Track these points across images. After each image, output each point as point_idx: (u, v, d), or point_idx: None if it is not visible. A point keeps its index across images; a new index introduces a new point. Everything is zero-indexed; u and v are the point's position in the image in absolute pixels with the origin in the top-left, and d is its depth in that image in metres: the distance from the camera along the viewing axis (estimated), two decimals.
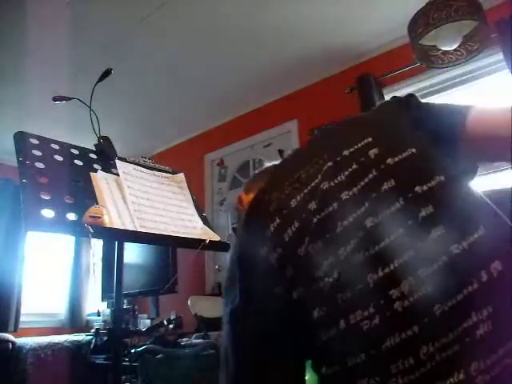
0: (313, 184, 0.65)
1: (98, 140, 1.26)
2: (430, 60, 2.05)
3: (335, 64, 2.88)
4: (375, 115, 0.78)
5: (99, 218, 0.96)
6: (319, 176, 0.65)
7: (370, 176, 0.62)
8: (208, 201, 3.62)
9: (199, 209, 1.30)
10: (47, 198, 0.95)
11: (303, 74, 3.00)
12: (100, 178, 1.12)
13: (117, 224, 1.02)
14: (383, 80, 2.60)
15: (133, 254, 2.89)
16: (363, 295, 0.54)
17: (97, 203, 1.03)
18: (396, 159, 0.62)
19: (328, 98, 2.92)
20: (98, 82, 1.30)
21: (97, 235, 0.96)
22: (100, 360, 2.92)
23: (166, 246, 2.55)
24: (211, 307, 2.89)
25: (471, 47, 1.95)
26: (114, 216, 1.03)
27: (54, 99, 1.32)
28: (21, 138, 1.07)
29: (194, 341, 2.36)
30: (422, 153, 0.63)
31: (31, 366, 2.82)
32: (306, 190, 0.65)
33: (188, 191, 1.33)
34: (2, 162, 3.69)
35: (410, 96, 0.74)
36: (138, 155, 1.43)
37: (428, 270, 0.54)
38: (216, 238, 1.20)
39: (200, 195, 3.50)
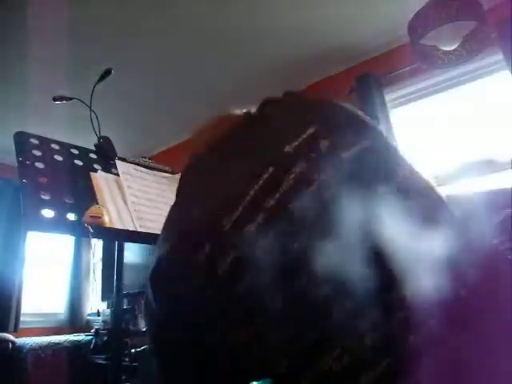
0: (247, 202, 0.49)
1: (98, 140, 1.26)
2: (430, 60, 2.05)
3: (335, 64, 2.88)
4: (318, 103, 0.64)
5: (99, 217, 0.96)
6: (254, 190, 0.49)
7: (324, 176, 0.49)
8: None
9: None
10: (47, 197, 0.95)
11: (303, 73, 2.99)
12: (100, 178, 1.12)
13: (117, 224, 1.02)
14: (383, 80, 2.60)
15: (133, 253, 2.89)
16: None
17: (97, 203, 1.03)
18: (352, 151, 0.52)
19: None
20: (98, 82, 1.30)
21: (97, 235, 0.96)
22: (100, 360, 2.92)
23: None
24: None
25: (471, 47, 1.95)
26: (114, 216, 1.03)
27: (54, 99, 1.32)
28: (21, 138, 1.07)
29: None
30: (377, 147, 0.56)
31: (31, 366, 2.82)
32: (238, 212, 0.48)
33: None
34: (2, 161, 3.68)
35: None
36: (137, 155, 1.43)
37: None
38: None
39: None
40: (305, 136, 0.53)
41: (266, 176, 0.50)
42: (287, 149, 0.51)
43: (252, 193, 0.49)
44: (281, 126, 0.57)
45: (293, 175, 0.49)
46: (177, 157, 3.91)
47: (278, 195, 0.48)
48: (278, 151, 0.51)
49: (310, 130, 0.53)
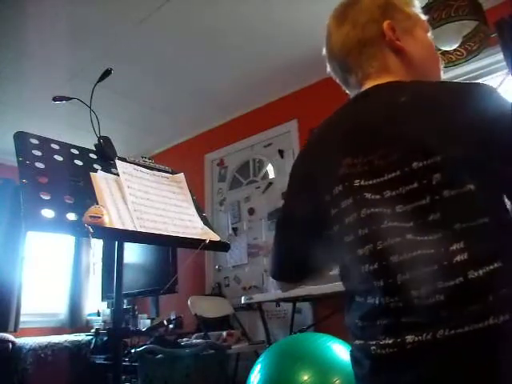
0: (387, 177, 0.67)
1: (98, 140, 1.25)
2: None
3: None
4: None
5: (99, 217, 0.96)
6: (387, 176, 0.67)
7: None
8: (208, 201, 3.62)
9: (199, 209, 1.30)
10: (47, 198, 0.95)
11: (303, 74, 2.99)
12: (100, 178, 1.12)
13: (117, 224, 1.02)
14: None
15: (133, 253, 2.89)
16: None
17: (97, 203, 1.03)
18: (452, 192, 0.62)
19: (328, 98, 2.91)
20: (98, 82, 1.30)
21: (97, 235, 0.96)
22: (100, 360, 2.92)
23: (165, 246, 2.55)
24: (211, 307, 2.89)
25: (471, 47, 1.95)
26: (114, 216, 1.03)
27: (54, 99, 1.32)
28: (21, 138, 1.07)
29: (194, 341, 2.37)
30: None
31: (31, 366, 2.82)
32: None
33: (188, 191, 1.33)
34: (2, 162, 3.69)
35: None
36: (137, 155, 1.43)
37: None
38: (216, 238, 1.20)
39: (200, 195, 3.50)
40: (429, 162, 0.66)
41: (391, 176, 0.68)
42: (414, 165, 0.67)
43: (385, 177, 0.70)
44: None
45: (405, 190, 0.67)
46: (177, 157, 3.92)
47: (394, 193, 0.68)
48: (409, 163, 0.68)
49: (435, 158, 0.67)
